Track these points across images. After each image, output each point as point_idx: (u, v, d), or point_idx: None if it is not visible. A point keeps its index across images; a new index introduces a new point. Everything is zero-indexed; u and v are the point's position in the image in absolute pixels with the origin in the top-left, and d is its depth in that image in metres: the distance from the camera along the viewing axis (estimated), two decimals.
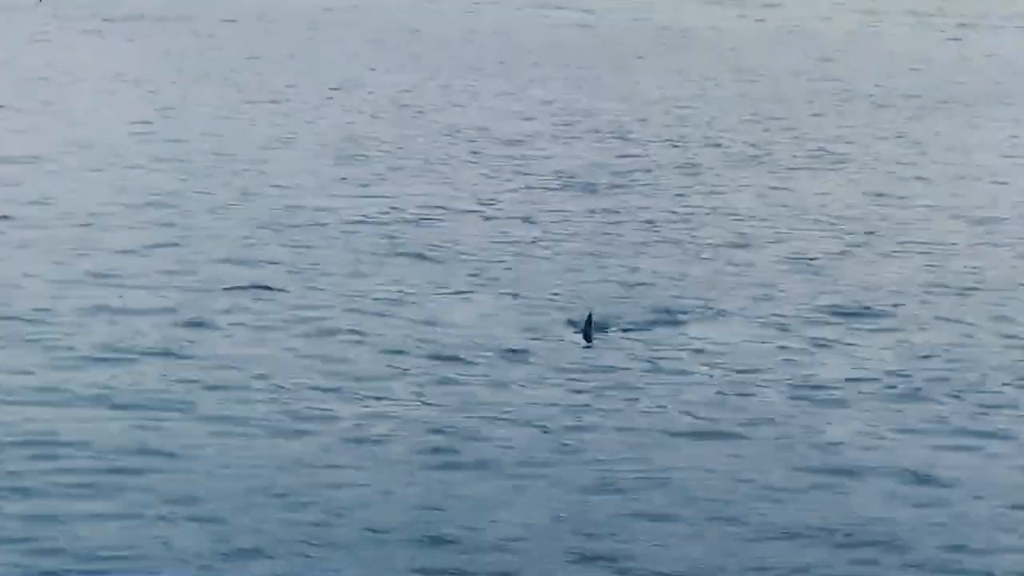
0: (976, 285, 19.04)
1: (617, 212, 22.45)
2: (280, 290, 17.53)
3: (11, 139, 26.34)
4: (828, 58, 40.97)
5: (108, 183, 23.11)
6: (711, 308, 17.56)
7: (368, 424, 13.63)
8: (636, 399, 14.58)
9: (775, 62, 39.63)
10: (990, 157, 27.88)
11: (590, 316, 16.16)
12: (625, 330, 16.44)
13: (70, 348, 15.40)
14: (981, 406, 14.79)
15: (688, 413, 14.33)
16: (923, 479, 12.99)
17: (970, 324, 17.43)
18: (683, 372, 15.39)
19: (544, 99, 32.93)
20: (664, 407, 14.42)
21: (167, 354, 15.27)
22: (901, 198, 24.11)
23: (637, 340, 16.20)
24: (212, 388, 14.39)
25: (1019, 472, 13.34)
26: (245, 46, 39.67)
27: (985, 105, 33.82)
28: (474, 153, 26.42)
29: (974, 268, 19.91)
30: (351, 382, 14.67)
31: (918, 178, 25.77)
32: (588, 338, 15.99)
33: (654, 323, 16.82)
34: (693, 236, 21.10)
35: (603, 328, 16.29)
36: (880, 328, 17.13)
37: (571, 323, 16.55)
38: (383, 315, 16.77)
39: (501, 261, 19.31)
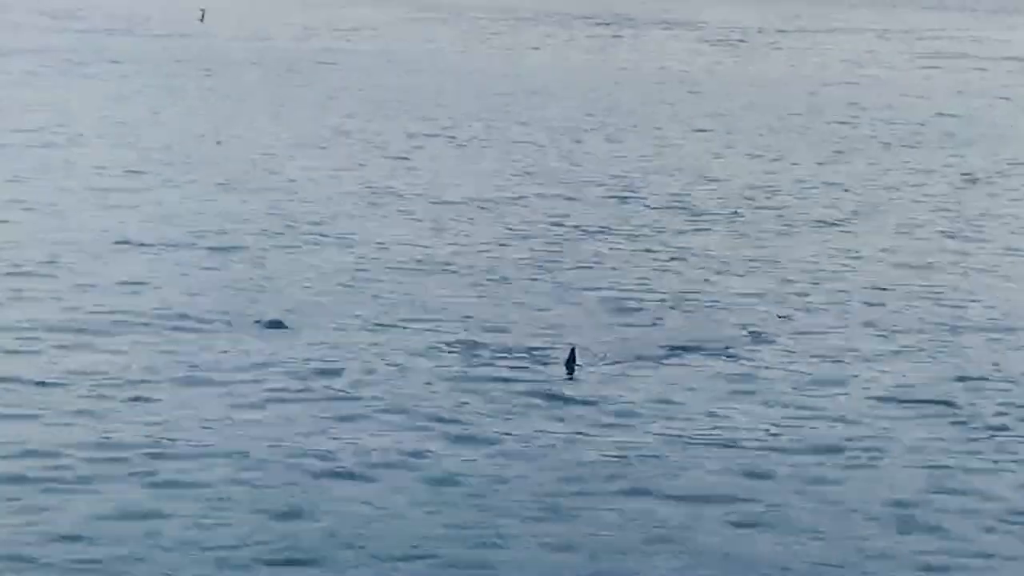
0: (985, 324, 19.22)
1: (605, 253, 22.61)
2: (277, 327, 17.75)
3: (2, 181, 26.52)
4: (827, 100, 41.10)
5: (101, 222, 23.26)
6: (694, 345, 17.74)
7: (361, 456, 13.83)
8: (616, 430, 14.80)
9: (774, 104, 39.73)
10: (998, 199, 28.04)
11: (573, 351, 16.58)
12: (606, 364, 16.69)
13: (78, 384, 15.55)
14: (982, 438, 15.01)
15: (671, 442, 14.52)
16: (915, 511, 13.16)
17: (969, 359, 17.64)
18: (663, 402, 15.63)
19: (538, 142, 33.03)
20: (646, 438, 14.62)
21: (170, 391, 15.45)
22: (892, 238, 24.29)
23: (617, 375, 16.45)
24: (215, 422, 14.60)
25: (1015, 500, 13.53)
26: (241, 91, 39.78)
27: (986, 145, 33.93)
28: (461, 197, 26.48)
29: (985, 308, 20.11)
30: (346, 416, 14.90)
31: (914, 219, 25.91)
32: (571, 371, 16.34)
33: (635, 359, 17.02)
34: (679, 277, 21.25)
35: (585, 363, 16.58)
36: (867, 372, 17.22)
37: (555, 358, 16.80)
38: (375, 352, 16.98)
39: (489, 302, 19.48)
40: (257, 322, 17.90)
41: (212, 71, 43.28)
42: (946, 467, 14.18)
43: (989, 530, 12.85)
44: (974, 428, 15.28)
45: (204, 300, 18.88)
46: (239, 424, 14.59)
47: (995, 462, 14.40)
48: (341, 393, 15.55)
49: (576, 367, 16.43)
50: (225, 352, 16.77)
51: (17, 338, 17.12)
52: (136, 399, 15.16)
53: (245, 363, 16.40)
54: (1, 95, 36.91)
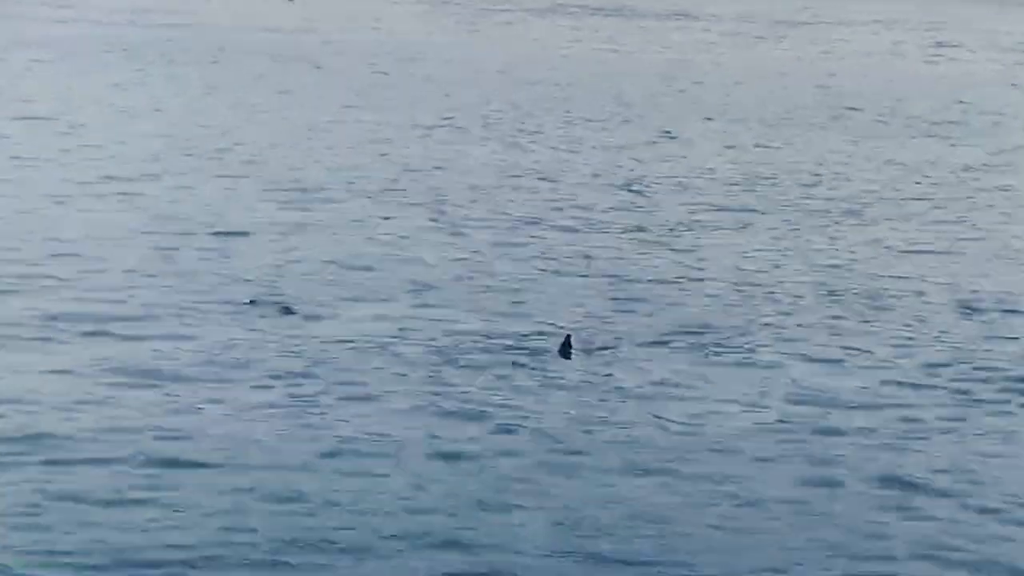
0: (986, 305, 19.25)
1: (606, 239, 22.53)
2: (287, 313, 17.77)
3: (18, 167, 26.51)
4: (838, 89, 40.97)
5: (113, 211, 23.30)
6: (694, 331, 17.68)
7: (365, 435, 13.89)
8: (611, 412, 14.82)
9: (781, 96, 39.61)
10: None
11: (568, 337, 16.69)
12: (600, 350, 16.70)
13: (90, 370, 15.54)
14: (989, 422, 15.00)
15: (667, 424, 14.47)
16: (914, 487, 13.13)
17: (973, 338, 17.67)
18: (659, 386, 15.62)
19: (543, 131, 32.97)
20: (640, 420, 14.60)
21: (182, 377, 15.47)
22: (901, 224, 24.18)
23: (613, 360, 16.44)
24: (227, 405, 14.66)
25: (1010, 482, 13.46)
26: (249, 79, 39.72)
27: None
28: (464, 184, 26.41)
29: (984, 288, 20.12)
30: (351, 397, 14.97)
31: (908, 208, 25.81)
32: (567, 357, 16.40)
33: (631, 346, 16.97)
34: (679, 264, 21.14)
35: (581, 349, 16.60)
36: (865, 350, 17.19)
37: (552, 343, 16.80)
38: (379, 337, 16.99)
39: (492, 287, 19.44)
40: (264, 306, 17.91)
41: (217, 60, 43.30)
42: (951, 447, 14.15)
43: (991, 512, 12.74)
44: (981, 411, 15.21)
45: (215, 287, 18.85)
46: (249, 407, 14.59)
47: (1002, 444, 14.34)
48: (346, 376, 15.57)
49: (572, 352, 16.44)
50: (236, 337, 16.75)
51: (33, 326, 17.05)
52: (149, 385, 15.12)
53: (256, 348, 16.41)
54: (17, 83, 37.01)
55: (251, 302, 17.90)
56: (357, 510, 12.25)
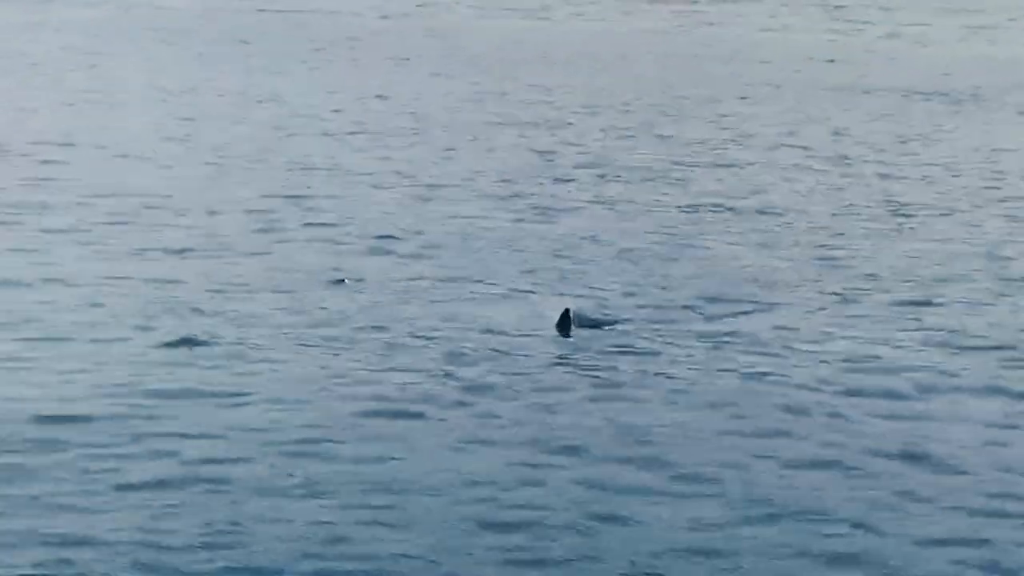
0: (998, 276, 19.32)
1: (609, 219, 22.47)
2: (339, 284, 18.14)
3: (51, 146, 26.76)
4: (871, 68, 40.78)
5: (140, 183, 23.66)
6: (695, 306, 17.66)
7: (371, 412, 14.02)
8: (607, 387, 14.84)
9: (813, 77, 39.47)
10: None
11: (567, 311, 16.62)
12: (600, 326, 16.67)
13: (155, 333, 15.95)
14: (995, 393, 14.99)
15: (665, 399, 14.50)
16: (939, 462, 13.07)
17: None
18: (658, 362, 15.58)
19: (568, 109, 32.94)
20: (636, 395, 14.63)
21: (242, 341, 15.82)
22: (897, 191, 24.01)
23: (611, 335, 16.42)
24: (278, 367, 15.02)
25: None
26: (277, 62, 39.82)
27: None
28: (479, 169, 26.34)
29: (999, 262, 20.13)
30: (378, 363, 15.33)
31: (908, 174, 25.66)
32: (566, 333, 16.38)
33: (632, 321, 16.94)
34: (681, 244, 20.99)
35: (580, 323, 16.59)
36: (861, 322, 17.18)
37: (551, 319, 16.78)
38: (410, 310, 17.24)
39: (503, 269, 19.45)
40: (320, 279, 18.31)
41: (249, 41, 43.41)
42: (982, 421, 14.10)
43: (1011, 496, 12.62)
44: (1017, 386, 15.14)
45: (274, 261, 19.23)
46: (299, 371, 14.96)
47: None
48: (378, 342, 15.89)
49: (571, 326, 16.42)
50: (293, 306, 17.14)
51: (89, 292, 17.37)
52: (205, 349, 15.49)
53: (309, 316, 16.77)
54: (51, 63, 37.32)
55: (342, 280, 18.26)
56: (359, 490, 12.26)
